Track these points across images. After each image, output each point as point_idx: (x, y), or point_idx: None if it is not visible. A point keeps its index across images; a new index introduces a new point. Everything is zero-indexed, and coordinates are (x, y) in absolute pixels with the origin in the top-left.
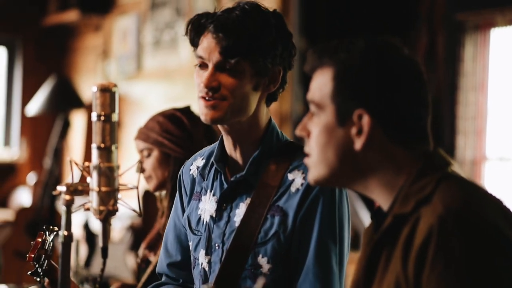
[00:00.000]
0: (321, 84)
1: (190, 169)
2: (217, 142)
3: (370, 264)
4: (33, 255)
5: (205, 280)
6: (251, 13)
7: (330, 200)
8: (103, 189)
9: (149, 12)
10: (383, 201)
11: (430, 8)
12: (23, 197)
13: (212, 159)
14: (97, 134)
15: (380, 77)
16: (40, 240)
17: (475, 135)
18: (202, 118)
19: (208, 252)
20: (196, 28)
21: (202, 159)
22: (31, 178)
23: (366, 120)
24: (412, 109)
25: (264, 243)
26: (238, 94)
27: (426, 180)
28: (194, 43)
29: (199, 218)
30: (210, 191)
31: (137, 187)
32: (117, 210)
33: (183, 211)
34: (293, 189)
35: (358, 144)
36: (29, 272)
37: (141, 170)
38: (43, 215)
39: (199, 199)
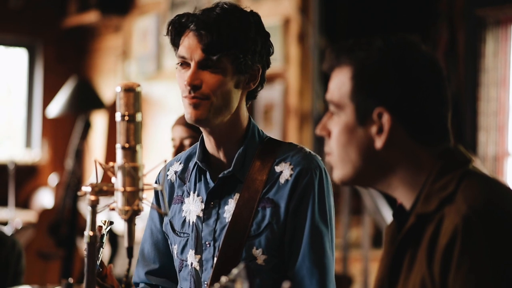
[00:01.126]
0: (340, 83)
1: (167, 175)
2: (193, 146)
3: (394, 264)
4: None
5: (197, 279)
6: (231, 11)
7: (320, 188)
8: (128, 189)
9: (168, 12)
10: (406, 199)
11: (450, 5)
12: (44, 198)
13: (195, 160)
14: (122, 134)
15: (399, 75)
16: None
17: (497, 131)
18: (187, 117)
19: (198, 251)
20: (177, 28)
21: (180, 163)
22: (53, 179)
23: (386, 118)
24: (432, 107)
25: (257, 235)
26: (220, 92)
27: (448, 178)
28: (175, 43)
29: (184, 220)
30: (194, 192)
31: (162, 187)
32: (142, 210)
33: (161, 218)
34: (282, 180)
35: (379, 143)
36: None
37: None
38: (65, 216)
39: (182, 202)
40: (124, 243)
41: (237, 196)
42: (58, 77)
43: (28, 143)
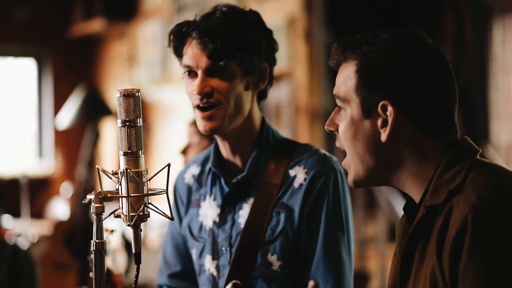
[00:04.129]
0: (346, 78)
1: (185, 178)
2: (209, 148)
3: (406, 257)
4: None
5: (214, 285)
6: (230, 14)
7: (334, 192)
8: (132, 195)
9: (174, 16)
10: (415, 192)
11: None
12: (58, 208)
13: (209, 165)
14: (123, 140)
15: (403, 68)
16: None
17: (509, 120)
18: (201, 129)
19: (215, 257)
20: (179, 38)
21: (197, 166)
22: (67, 189)
23: (390, 111)
24: (438, 99)
25: (272, 241)
26: (231, 97)
27: (456, 169)
28: (178, 53)
29: (201, 225)
30: (210, 196)
31: (166, 191)
32: (147, 215)
33: (180, 220)
34: (296, 184)
35: (384, 136)
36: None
37: (184, 152)
38: (79, 226)
39: (198, 206)
40: (132, 249)
41: (251, 201)
42: (67, 85)
43: (40, 153)
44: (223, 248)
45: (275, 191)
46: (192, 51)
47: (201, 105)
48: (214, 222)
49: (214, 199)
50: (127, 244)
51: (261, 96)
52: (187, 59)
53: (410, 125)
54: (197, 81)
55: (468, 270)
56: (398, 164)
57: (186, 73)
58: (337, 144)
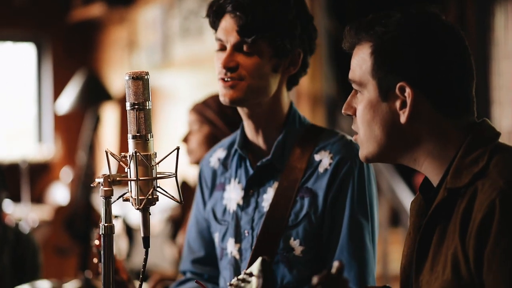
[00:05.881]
0: (361, 61)
1: (210, 162)
2: (237, 132)
3: (423, 238)
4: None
5: (236, 268)
6: None
7: (360, 178)
8: (141, 178)
9: (174, 0)
10: (433, 174)
11: None
12: (58, 192)
13: (235, 147)
14: (132, 123)
15: (419, 48)
16: None
17: (511, 105)
18: (222, 99)
19: (238, 240)
20: (216, 11)
21: (224, 149)
22: (67, 174)
23: (408, 92)
24: (455, 77)
25: (295, 226)
26: (256, 75)
27: (478, 152)
28: (215, 26)
29: (225, 208)
30: (235, 179)
31: (175, 175)
32: (156, 199)
33: (205, 205)
34: (321, 169)
35: (403, 117)
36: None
37: (185, 140)
38: (80, 211)
39: (223, 189)
40: (140, 233)
41: (275, 184)
42: (67, 70)
43: (40, 138)
44: (246, 231)
45: (299, 175)
46: (225, 25)
47: (225, 79)
48: (238, 205)
49: (239, 182)
50: (128, 229)
51: (292, 81)
52: (220, 32)
53: (428, 105)
54: (224, 54)
55: (495, 255)
56: (416, 145)
57: (218, 48)
58: (353, 127)
